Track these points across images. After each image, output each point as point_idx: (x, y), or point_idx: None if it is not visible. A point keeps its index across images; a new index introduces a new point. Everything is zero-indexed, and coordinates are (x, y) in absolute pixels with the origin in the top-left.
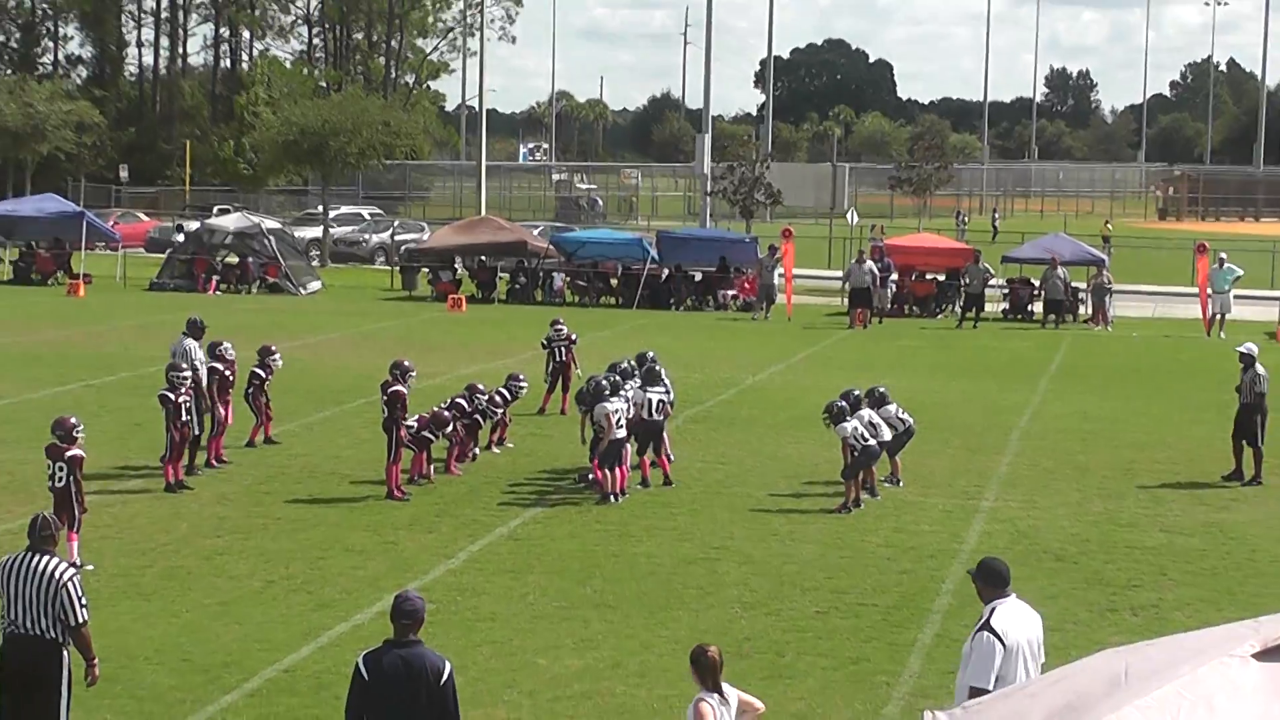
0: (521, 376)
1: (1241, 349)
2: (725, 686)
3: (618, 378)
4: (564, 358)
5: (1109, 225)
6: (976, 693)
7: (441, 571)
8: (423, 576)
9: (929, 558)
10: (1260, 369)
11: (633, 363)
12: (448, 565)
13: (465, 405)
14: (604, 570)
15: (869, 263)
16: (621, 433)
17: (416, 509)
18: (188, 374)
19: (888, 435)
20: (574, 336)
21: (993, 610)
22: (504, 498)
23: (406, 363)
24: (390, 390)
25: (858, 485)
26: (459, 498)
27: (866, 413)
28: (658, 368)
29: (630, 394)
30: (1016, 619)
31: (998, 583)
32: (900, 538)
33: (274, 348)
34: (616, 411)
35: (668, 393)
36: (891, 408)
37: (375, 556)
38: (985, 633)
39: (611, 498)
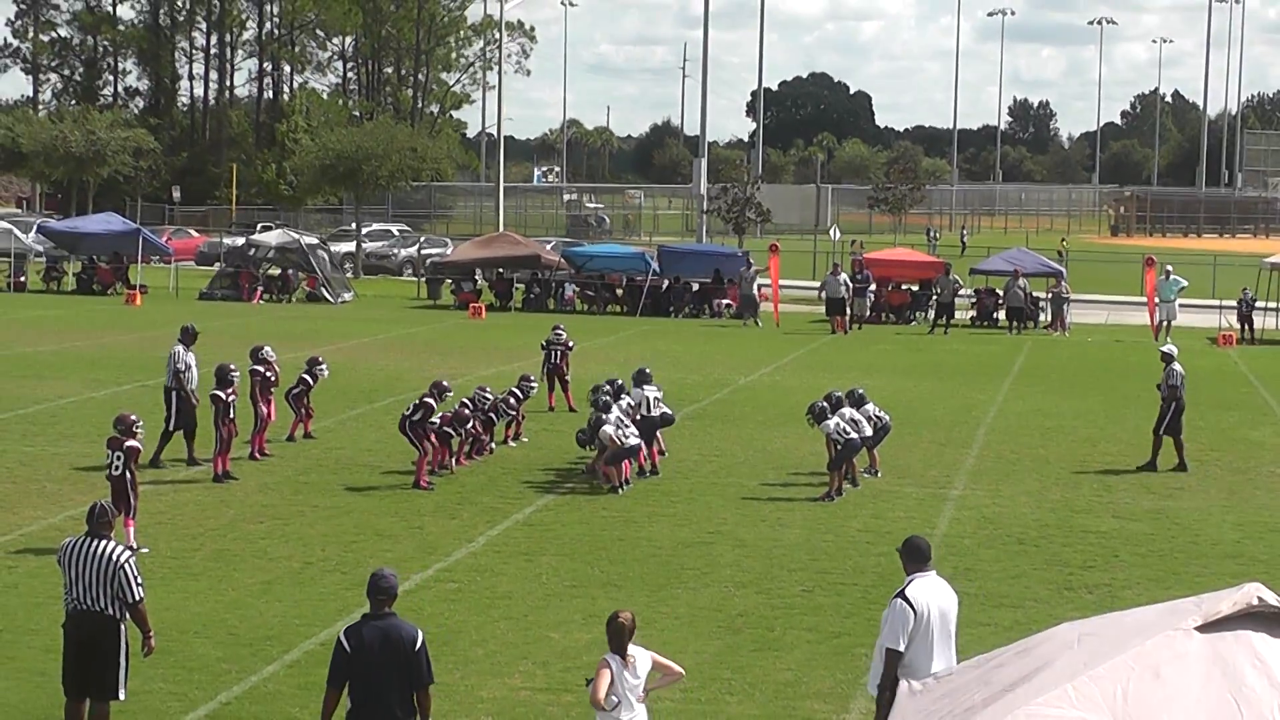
0: (532, 377)
1: (1162, 349)
2: (636, 649)
3: (606, 398)
4: (558, 360)
5: (1065, 241)
6: (891, 654)
7: (463, 554)
8: (445, 558)
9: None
10: (1177, 366)
11: (609, 390)
12: (468, 548)
13: (474, 405)
14: (610, 552)
15: (842, 274)
16: (633, 440)
17: (440, 497)
18: (236, 373)
19: (868, 431)
20: (571, 343)
21: (910, 581)
22: (519, 487)
23: (445, 383)
24: (423, 399)
25: (840, 476)
26: (479, 487)
27: (848, 411)
28: (647, 370)
29: (624, 403)
30: (931, 591)
31: (918, 558)
32: (878, 523)
33: (321, 359)
34: (618, 428)
35: (658, 391)
36: (870, 406)
37: (403, 540)
38: (900, 600)
39: (619, 488)
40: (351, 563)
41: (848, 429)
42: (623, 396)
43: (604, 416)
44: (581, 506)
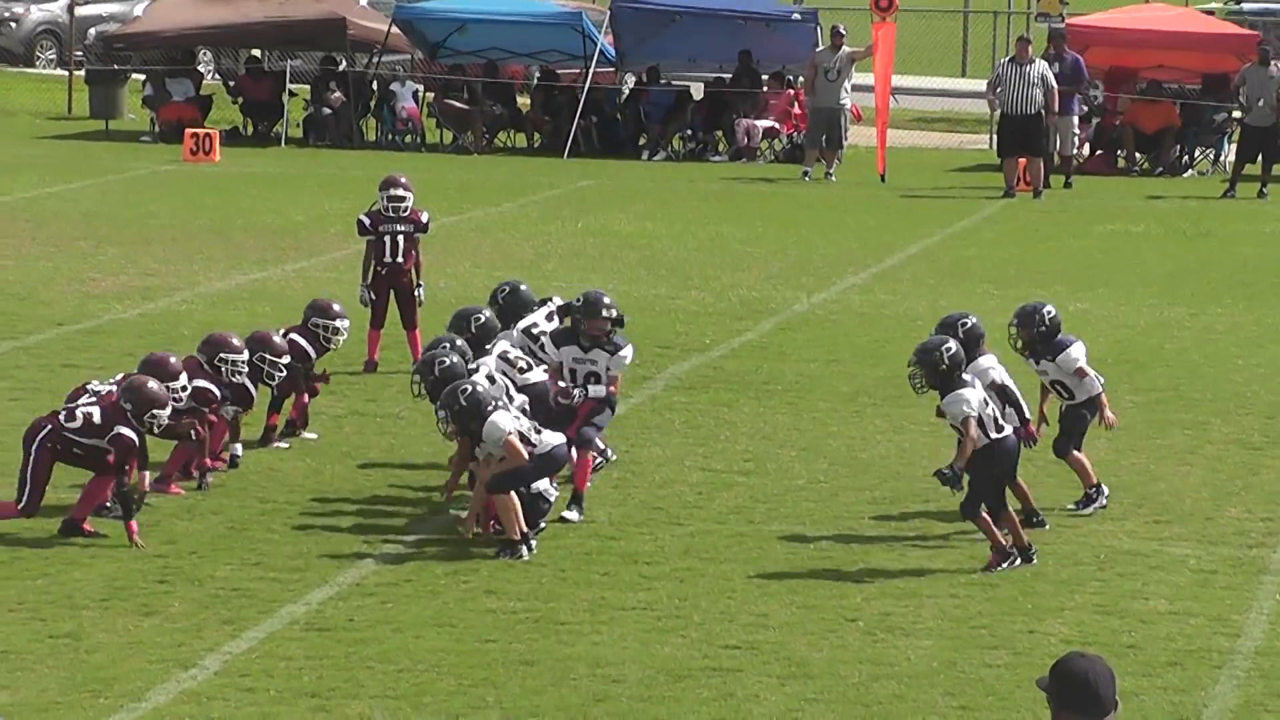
0: (336, 306)
1: None
2: None
3: (451, 356)
4: (395, 256)
5: None
6: None
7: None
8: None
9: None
10: None
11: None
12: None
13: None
14: None
15: (1038, 63)
16: (549, 441)
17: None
18: None
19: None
20: (424, 217)
21: None
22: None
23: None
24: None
25: (996, 524)
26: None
27: (994, 369)
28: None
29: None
30: None
31: (1087, 707)
32: (1110, 634)
33: None
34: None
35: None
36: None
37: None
38: None
39: (519, 548)
40: None
41: (998, 416)
42: (497, 343)
43: (474, 393)
44: (437, 589)
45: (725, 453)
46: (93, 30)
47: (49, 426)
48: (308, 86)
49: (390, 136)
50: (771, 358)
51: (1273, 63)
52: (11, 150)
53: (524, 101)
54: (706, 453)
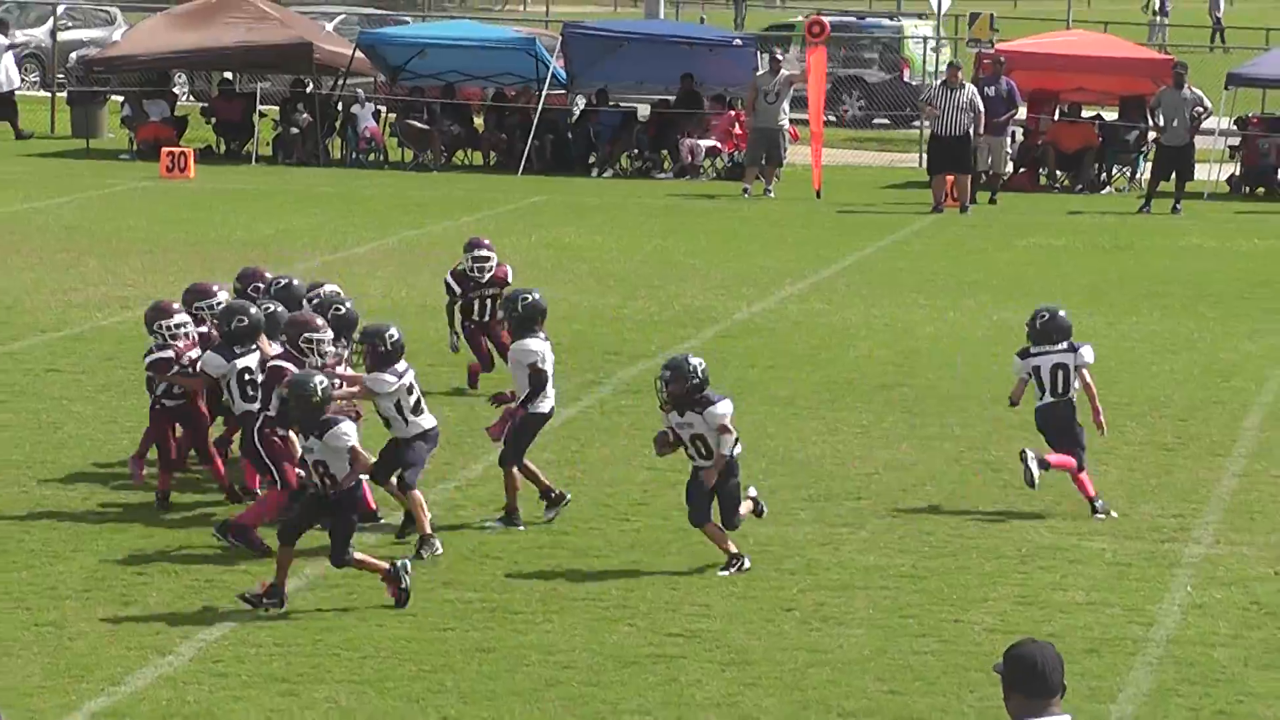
0: (337, 292)
1: None
2: None
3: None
4: (487, 316)
5: None
6: None
7: None
8: None
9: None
10: None
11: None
12: None
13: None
14: None
15: (968, 87)
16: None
17: None
18: None
19: None
20: (509, 274)
21: None
22: None
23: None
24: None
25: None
26: None
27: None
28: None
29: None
30: None
31: (1037, 686)
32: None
33: None
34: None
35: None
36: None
37: None
38: None
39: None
40: None
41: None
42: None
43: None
44: None
45: (656, 466)
46: (74, 54)
47: (259, 419)
48: (277, 107)
49: (354, 155)
50: (713, 364)
51: (1186, 85)
52: None
53: (480, 122)
54: (651, 453)
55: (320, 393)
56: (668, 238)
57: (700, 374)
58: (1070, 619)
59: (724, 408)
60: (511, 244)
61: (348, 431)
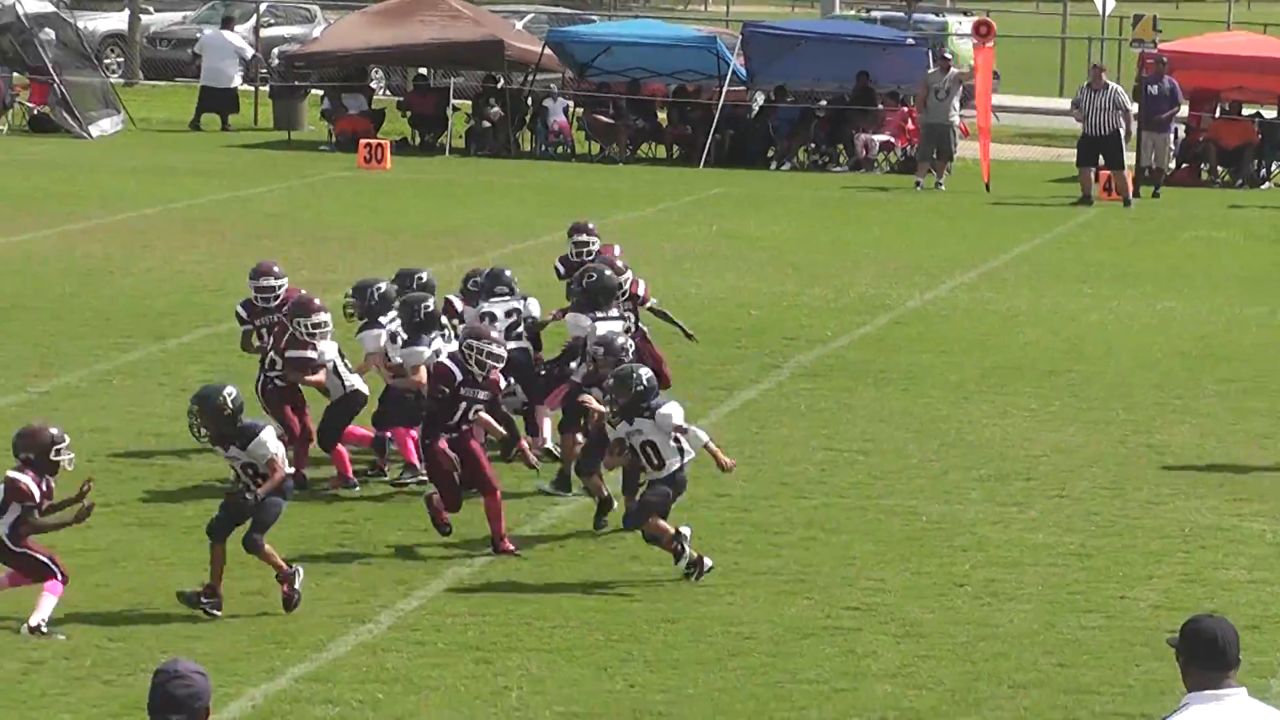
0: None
1: None
2: None
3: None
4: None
5: None
6: None
7: None
8: None
9: None
10: None
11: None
12: None
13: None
14: None
15: (1111, 87)
16: None
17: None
18: None
19: None
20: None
21: (1184, 707)
22: None
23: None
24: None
25: None
26: None
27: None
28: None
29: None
30: None
31: (1213, 662)
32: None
33: None
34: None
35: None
36: None
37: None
38: None
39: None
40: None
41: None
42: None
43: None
44: (587, 555)
45: (845, 434)
46: (276, 50)
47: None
48: (469, 102)
49: (543, 147)
50: (887, 349)
51: None
52: (204, 159)
53: (663, 116)
54: (829, 434)
55: (231, 404)
56: (843, 228)
57: (645, 382)
58: (1232, 595)
59: (670, 408)
60: (693, 233)
61: (267, 439)
